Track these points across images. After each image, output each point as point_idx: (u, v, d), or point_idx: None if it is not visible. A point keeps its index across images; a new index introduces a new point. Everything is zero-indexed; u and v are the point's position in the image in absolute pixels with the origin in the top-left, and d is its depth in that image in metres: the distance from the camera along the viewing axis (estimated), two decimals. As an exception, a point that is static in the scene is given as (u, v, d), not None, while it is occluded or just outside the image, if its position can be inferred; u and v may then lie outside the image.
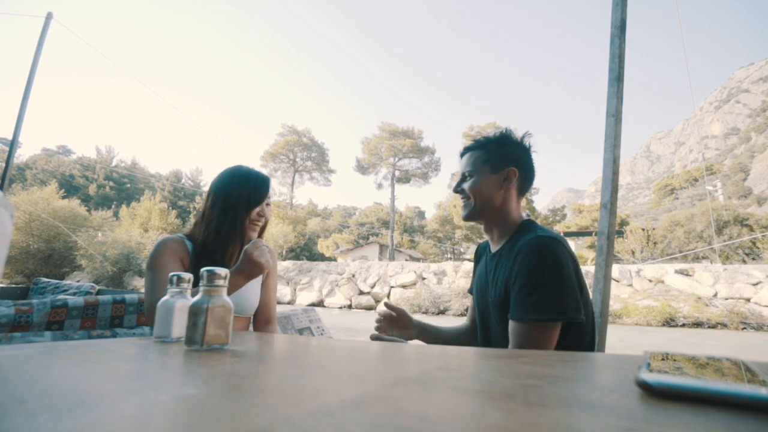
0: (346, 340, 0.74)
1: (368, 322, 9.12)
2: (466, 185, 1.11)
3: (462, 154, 1.16)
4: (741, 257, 16.62)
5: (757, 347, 6.96)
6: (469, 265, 14.28)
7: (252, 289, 1.24)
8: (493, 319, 1.05)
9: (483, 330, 1.13)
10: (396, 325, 1.23)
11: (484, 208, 1.08)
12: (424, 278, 13.98)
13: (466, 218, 1.12)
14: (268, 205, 1.28)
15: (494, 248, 1.11)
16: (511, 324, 0.93)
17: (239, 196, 1.19)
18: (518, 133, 1.16)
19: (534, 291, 0.89)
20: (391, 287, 13.92)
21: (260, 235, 1.39)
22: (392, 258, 28.23)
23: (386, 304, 1.25)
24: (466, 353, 0.61)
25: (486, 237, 1.17)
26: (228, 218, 1.18)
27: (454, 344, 1.18)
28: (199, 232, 1.20)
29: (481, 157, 1.10)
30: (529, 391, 0.34)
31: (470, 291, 1.29)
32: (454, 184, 1.16)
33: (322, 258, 30.82)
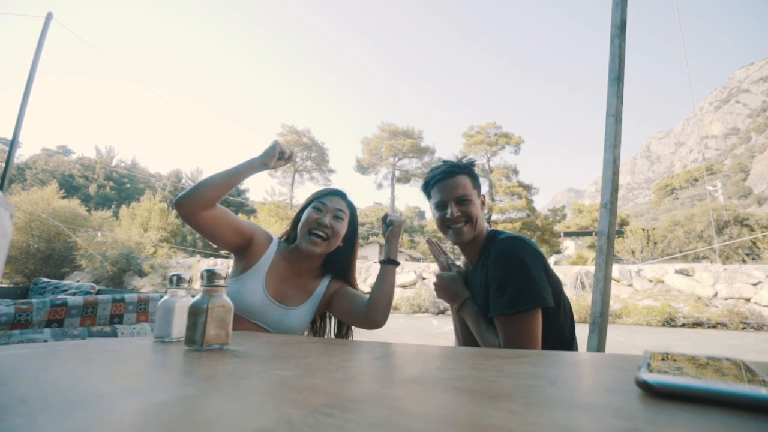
0: (346, 340, 0.74)
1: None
2: (470, 209, 1.13)
3: (451, 174, 1.14)
4: (741, 257, 16.61)
5: (757, 347, 6.96)
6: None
7: None
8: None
9: None
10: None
11: (478, 230, 1.15)
12: (424, 278, 13.97)
13: (470, 241, 1.14)
14: (336, 218, 1.17)
15: (472, 263, 1.19)
16: (496, 321, 1.00)
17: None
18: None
19: (507, 287, 0.96)
20: (391, 287, 13.92)
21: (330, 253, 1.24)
22: (392, 258, 28.12)
23: (429, 241, 1.35)
24: (467, 353, 0.61)
25: (463, 253, 1.21)
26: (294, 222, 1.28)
27: None
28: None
29: (470, 183, 1.16)
30: (529, 391, 0.34)
31: None
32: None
33: (322, 258, 30.68)
